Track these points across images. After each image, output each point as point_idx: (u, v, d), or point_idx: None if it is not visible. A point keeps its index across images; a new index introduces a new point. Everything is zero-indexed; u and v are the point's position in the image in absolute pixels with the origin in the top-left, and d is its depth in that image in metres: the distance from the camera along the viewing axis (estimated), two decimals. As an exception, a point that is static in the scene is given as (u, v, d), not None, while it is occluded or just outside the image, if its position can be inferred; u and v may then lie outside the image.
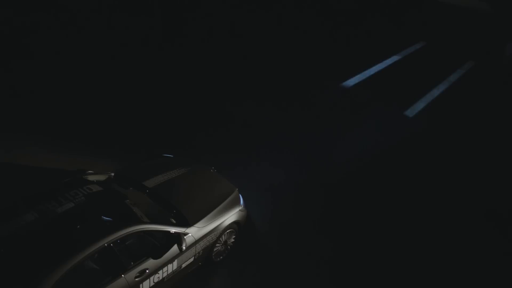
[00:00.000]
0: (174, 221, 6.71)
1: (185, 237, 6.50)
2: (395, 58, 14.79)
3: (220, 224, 7.08)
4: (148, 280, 6.20)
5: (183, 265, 6.71)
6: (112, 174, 7.38)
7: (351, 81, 13.05)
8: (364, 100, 12.27)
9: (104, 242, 5.74)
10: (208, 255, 7.14)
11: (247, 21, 15.62)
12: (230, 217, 7.24)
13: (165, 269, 6.40)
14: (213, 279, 7.30)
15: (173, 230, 6.45)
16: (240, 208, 7.46)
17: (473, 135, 11.49)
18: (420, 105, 12.42)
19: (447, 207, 9.19)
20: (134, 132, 9.95)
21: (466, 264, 8.03)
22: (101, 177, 7.18)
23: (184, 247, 6.40)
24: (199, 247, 6.83)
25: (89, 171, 7.20)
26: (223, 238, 7.29)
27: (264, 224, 8.30)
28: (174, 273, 6.60)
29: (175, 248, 6.41)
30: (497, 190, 9.81)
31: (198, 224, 6.81)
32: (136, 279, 6.03)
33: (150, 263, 6.17)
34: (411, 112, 12.08)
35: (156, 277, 6.32)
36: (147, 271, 6.12)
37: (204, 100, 11.33)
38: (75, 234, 5.80)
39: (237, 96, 11.68)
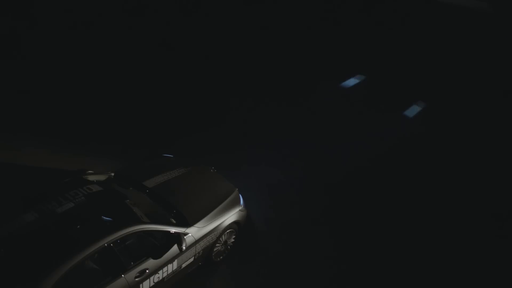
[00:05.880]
0: (174, 221, 6.72)
1: (185, 237, 6.50)
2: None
3: (220, 224, 7.09)
4: (148, 280, 6.21)
5: (183, 265, 6.71)
6: (112, 174, 7.39)
7: (351, 81, 13.04)
8: (364, 100, 12.25)
9: (104, 242, 5.75)
10: (208, 255, 7.15)
11: (251, 17, 15.60)
12: (230, 217, 7.24)
13: (165, 269, 6.40)
14: (213, 279, 7.30)
15: (173, 230, 6.46)
16: (240, 208, 7.47)
17: (473, 135, 11.47)
18: (420, 105, 12.40)
19: (448, 207, 9.19)
20: (134, 132, 9.95)
21: (467, 265, 8.04)
22: (101, 177, 7.19)
23: (184, 247, 6.40)
24: (199, 247, 6.83)
25: (89, 171, 7.20)
26: (223, 238, 7.29)
27: (264, 224, 8.30)
28: (174, 273, 6.61)
29: (175, 248, 6.42)
30: (497, 190, 9.80)
31: (198, 224, 6.81)
32: (136, 279, 6.03)
33: (150, 263, 6.18)
34: (411, 112, 12.07)
35: (156, 277, 6.32)
36: (147, 271, 6.13)
37: (204, 99, 11.32)
38: (75, 234, 5.81)
39: (238, 95, 11.67)
